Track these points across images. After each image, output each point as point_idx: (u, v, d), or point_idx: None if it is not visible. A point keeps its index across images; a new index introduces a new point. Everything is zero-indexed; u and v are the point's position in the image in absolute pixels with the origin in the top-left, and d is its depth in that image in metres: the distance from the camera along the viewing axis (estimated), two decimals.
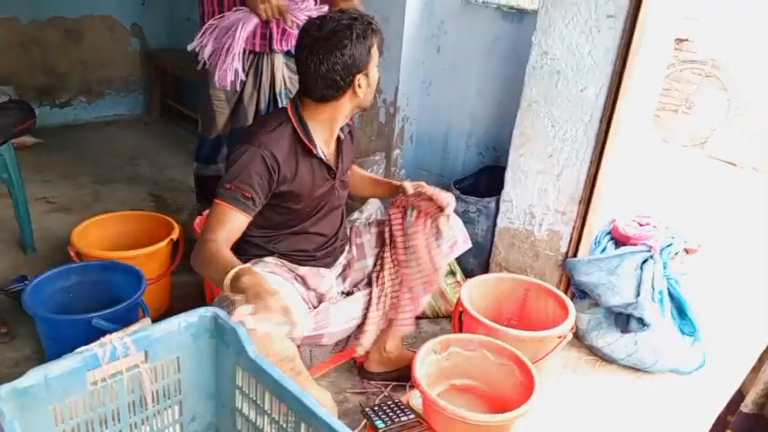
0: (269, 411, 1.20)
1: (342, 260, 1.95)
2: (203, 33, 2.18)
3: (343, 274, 1.94)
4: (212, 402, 1.34)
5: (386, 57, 2.75)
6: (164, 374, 1.26)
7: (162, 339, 1.22)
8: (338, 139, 1.79)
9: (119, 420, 1.22)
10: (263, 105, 2.38)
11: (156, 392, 1.25)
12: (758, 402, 1.18)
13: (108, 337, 1.16)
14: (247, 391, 1.24)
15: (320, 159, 1.73)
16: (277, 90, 2.38)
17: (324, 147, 1.75)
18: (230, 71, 2.15)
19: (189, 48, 2.21)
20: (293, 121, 1.69)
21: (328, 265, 1.89)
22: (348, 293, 1.90)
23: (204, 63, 2.22)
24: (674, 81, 5.52)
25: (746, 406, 1.19)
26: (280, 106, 2.38)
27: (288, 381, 1.15)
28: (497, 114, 2.70)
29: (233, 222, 1.58)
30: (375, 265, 1.93)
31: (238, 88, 2.28)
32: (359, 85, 1.65)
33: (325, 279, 1.85)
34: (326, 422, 1.06)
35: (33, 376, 1.08)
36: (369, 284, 1.90)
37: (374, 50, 1.65)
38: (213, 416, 1.36)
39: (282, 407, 1.16)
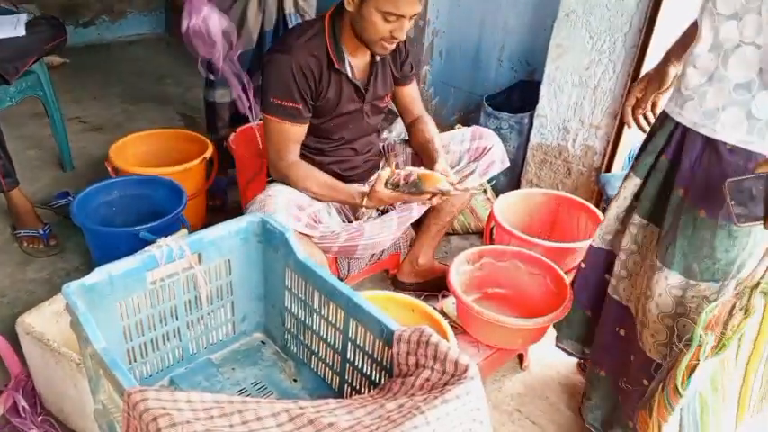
0: (318, 310, 1.26)
1: (375, 176, 1.95)
2: None
3: None
4: (262, 303, 1.41)
5: None
6: (216, 276, 1.32)
7: (214, 243, 1.28)
8: (373, 61, 1.75)
9: (177, 318, 1.29)
10: (268, 28, 2.24)
11: (210, 293, 1.32)
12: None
13: (164, 240, 1.21)
14: (296, 291, 1.30)
15: (347, 76, 1.70)
16: (286, 11, 2.26)
17: (353, 65, 1.72)
18: None
19: None
20: (327, 31, 1.66)
21: (362, 181, 1.91)
22: (383, 212, 1.90)
23: None
24: None
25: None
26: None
27: (336, 280, 1.20)
28: (532, 26, 2.62)
29: (293, 133, 1.68)
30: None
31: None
32: None
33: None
34: (375, 317, 1.12)
35: (98, 274, 1.14)
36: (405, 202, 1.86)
37: None
38: (262, 316, 1.43)
39: (331, 305, 1.22)
